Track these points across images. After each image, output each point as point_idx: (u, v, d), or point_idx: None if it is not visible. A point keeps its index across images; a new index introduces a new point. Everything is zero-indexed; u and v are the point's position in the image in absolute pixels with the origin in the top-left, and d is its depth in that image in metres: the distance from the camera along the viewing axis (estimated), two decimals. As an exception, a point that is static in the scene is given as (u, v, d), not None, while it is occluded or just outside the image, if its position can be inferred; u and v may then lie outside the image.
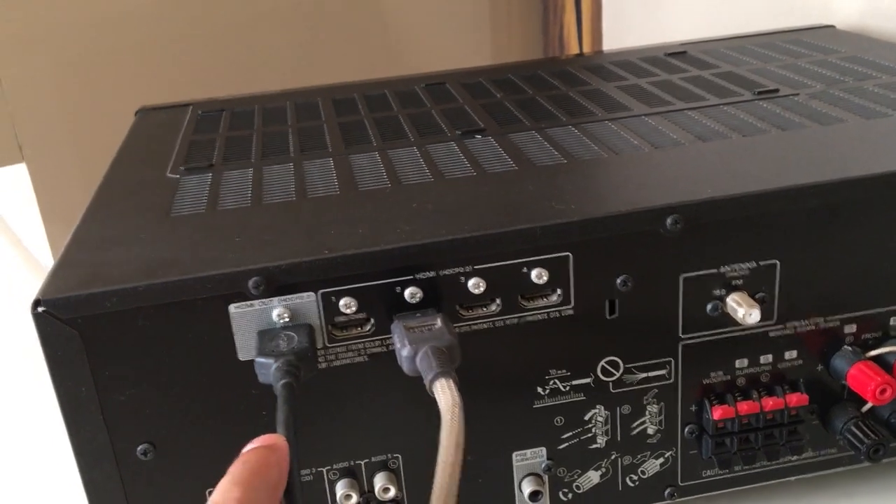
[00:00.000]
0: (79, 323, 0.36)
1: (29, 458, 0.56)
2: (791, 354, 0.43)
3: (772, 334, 0.42)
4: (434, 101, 0.61)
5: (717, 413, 0.42)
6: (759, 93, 0.55)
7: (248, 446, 0.30)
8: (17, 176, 0.77)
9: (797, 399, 0.43)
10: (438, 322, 0.37)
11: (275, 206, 0.44)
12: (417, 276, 0.38)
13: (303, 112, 0.61)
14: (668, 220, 0.39)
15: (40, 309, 0.35)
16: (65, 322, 0.36)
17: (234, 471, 0.29)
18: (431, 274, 0.38)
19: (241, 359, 0.38)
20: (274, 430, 0.38)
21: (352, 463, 0.41)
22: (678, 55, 0.67)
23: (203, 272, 0.36)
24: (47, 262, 0.80)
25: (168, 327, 0.37)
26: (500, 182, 0.44)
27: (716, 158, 0.44)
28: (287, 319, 0.37)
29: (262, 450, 0.30)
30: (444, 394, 0.32)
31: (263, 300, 0.37)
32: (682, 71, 0.62)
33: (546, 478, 0.43)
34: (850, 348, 0.43)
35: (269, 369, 0.35)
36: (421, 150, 0.50)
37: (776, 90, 0.55)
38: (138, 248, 0.40)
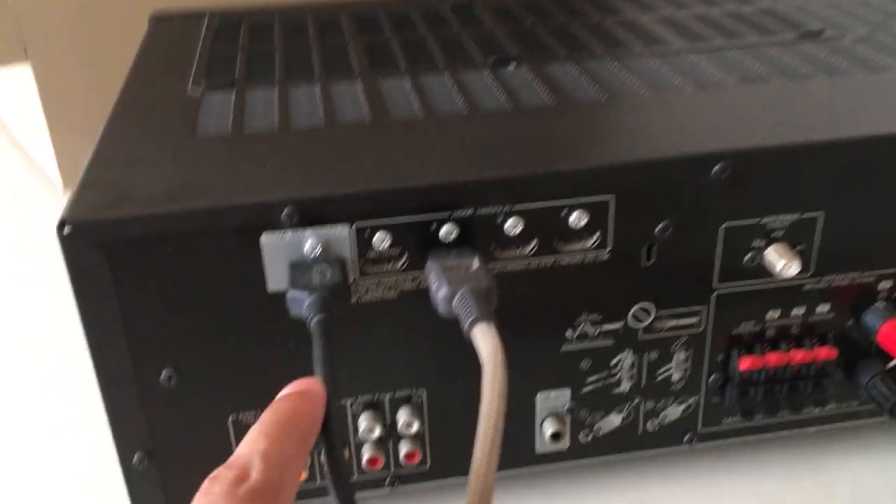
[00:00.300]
0: (106, 246, 0.35)
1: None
2: (823, 308, 0.42)
3: (806, 287, 0.42)
4: (462, 24, 0.58)
5: (745, 363, 0.42)
6: (803, 34, 0.53)
7: (283, 392, 0.30)
8: (21, 77, 0.74)
9: (826, 353, 0.43)
10: (476, 263, 0.36)
11: (304, 131, 0.42)
12: (454, 213, 0.37)
13: (326, 28, 0.59)
14: (716, 168, 0.38)
15: (66, 230, 0.34)
16: (92, 244, 0.35)
17: (264, 419, 0.28)
18: (469, 212, 0.37)
19: (270, 289, 0.37)
20: (300, 361, 0.37)
21: (376, 396, 0.41)
22: (715, -13, 0.64)
23: (235, 200, 0.35)
24: (51, 168, 0.78)
25: (196, 254, 0.36)
26: (538, 117, 0.43)
27: (762, 103, 0.43)
28: (319, 252, 0.36)
29: (295, 396, 0.29)
30: (486, 340, 0.31)
31: (295, 230, 0.36)
32: (720, 4, 0.60)
33: (568, 419, 0.43)
34: (882, 304, 0.43)
35: (302, 303, 0.34)
36: (453, 79, 0.48)
37: (820, 31, 0.53)
38: (165, 169, 0.38)
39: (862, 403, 0.45)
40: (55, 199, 0.78)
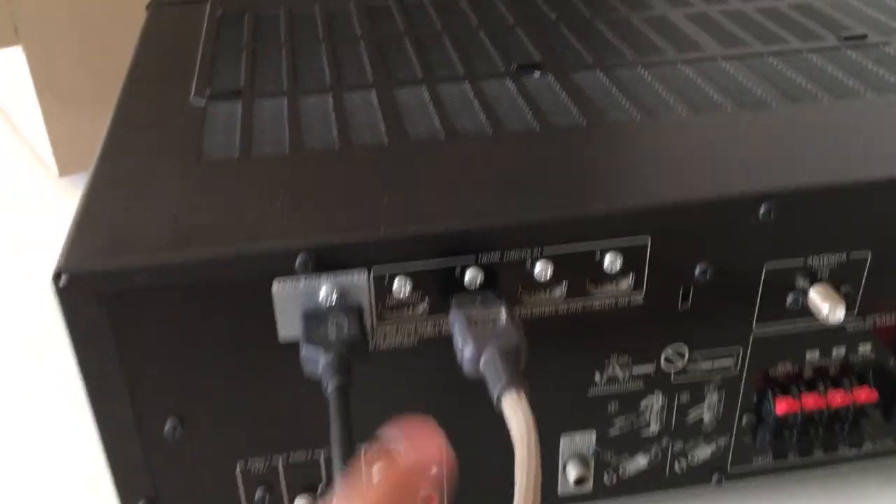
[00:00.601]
0: (104, 296, 0.32)
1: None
2: (865, 348, 0.40)
3: (849, 327, 0.39)
4: (480, 18, 0.55)
5: (782, 407, 0.40)
6: (846, 38, 0.49)
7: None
8: (13, 59, 0.71)
9: (866, 395, 0.40)
10: (503, 315, 0.33)
11: (317, 154, 0.39)
12: (480, 258, 0.34)
13: (334, 21, 0.55)
14: (762, 209, 0.35)
15: (63, 281, 0.31)
16: (90, 296, 0.32)
17: None
18: (495, 257, 0.34)
19: (282, 337, 0.34)
20: (312, 408, 0.35)
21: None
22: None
23: (245, 248, 0.32)
24: (45, 152, 0.75)
25: (203, 303, 0.33)
26: (568, 140, 0.40)
27: (808, 129, 0.40)
28: (335, 299, 0.34)
29: None
30: (516, 417, 0.29)
31: (309, 277, 0.33)
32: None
33: (592, 461, 0.41)
34: (927, 344, 0.40)
35: (317, 363, 0.32)
36: (474, 88, 0.45)
37: (864, 36, 0.49)
38: (168, 202, 0.35)
39: (898, 440, 0.43)
40: (51, 184, 0.75)
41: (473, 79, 0.46)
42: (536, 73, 0.46)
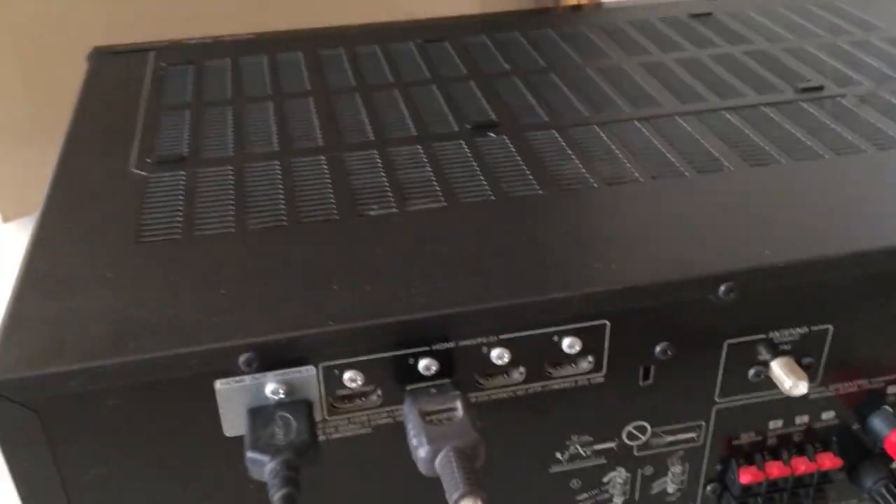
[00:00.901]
0: (37, 403, 0.30)
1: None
2: (829, 415, 0.40)
3: (812, 396, 0.39)
4: (434, 71, 0.53)
5: (746, 477, 0.39)
6: (802, 89, 0.49)
7: None
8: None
9: (830, 462, 0.40)
10: (459, 409, 0.32)
11: (264, 232, 0.38)
12: (434, 346, 0.33)
13: (283, 72, 0.54)
14: (722, 289, 0.34)
15: (-10, 390, 0.30)
16: (20, 403, 0.30)
17: None
18: (450, 345, 0.33)
19: (227, 435, 0.33)
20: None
21: (347, 531, 0.37)
22: (703, 17, 0.60)
23: (184, 347, 0.31)
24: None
25: (142, 404, 0.31)
26: (524, 213, 0.38)
27: (767, 198, 0.39)
28: (283, 395, 0.32)
29: None
30: (475, 527, 0.28)
31: (255, 375, 0.32)
32: (711, 44, 0.56)
33: (557, 537, 0.40)
34: (890, 409, 0.40)
35: (263, 468, 0.30)
36: (427, 152, 0.44)
37: (820, 87, 0.49)
38: (103, 294, 0.34)
39: (862, 502, 0.43)
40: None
41: (427, 140, 0.45)
42: (492, 134, 0.45)
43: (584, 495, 0.39)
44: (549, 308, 0.33)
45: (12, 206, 0.73)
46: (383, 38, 0.58)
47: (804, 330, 0.36)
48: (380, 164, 0.43)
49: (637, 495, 0.40)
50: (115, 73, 0.54)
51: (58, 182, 0.42)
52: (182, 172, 0.42)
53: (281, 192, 0.40)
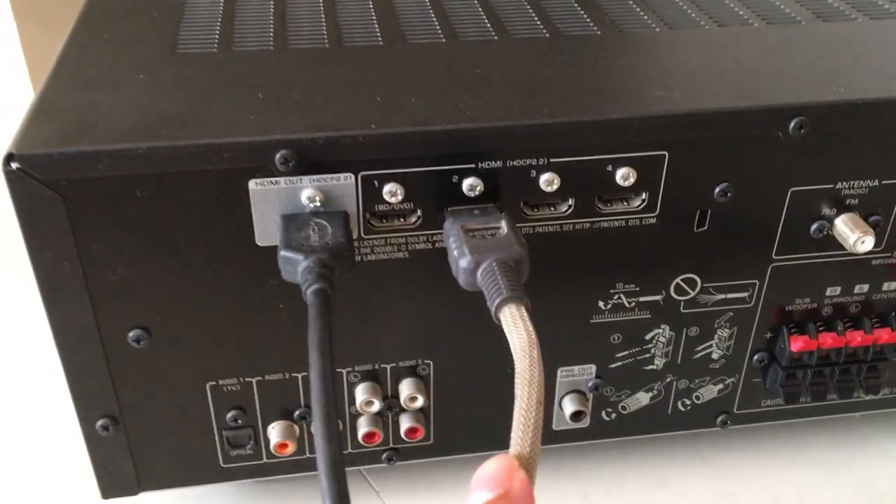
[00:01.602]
0: (62, 185, 0.29)
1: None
2: (890, 285, 0.37)
3: (875, 262, 0.36)
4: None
5: (797, 345, 0.37)
6: (880, -38, 0.46)
7: (477, 489, 0.23)
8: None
9: (888, 336, 0.38)
10: (504, 226, 0.30)
11: (304, 52, 0.36)
12: (480, 165, 0.31)
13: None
14: (792, 124, 0.32)
15: (14, 165, 0.28)
16: (45, 183, 0.29)
17: None
18: (497, 164, 0.31)
19: (259, 244, 0.31)
20: (291, 324, 0.32)
21: (376, 366, 0.35)
22: None
23: (219, 138, 0.29)
24: (20, 69, 0.71)
25: (172, 199, 0.30)
26: (580, 50, 0.36)
27: (842, 47, 0.37)
28: (318, 204, 0.30)
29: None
30: (518, 329, 0.26)
31: (291, 178, 0.30)
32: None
33: (591, 396, 0.38)
34: (956, 285, 0.38)
35: (296, 267, 0.29)
36: (478, -6, 0.41)
37: (900, -40, 0.46)
38: (137, 92, 0.32)
39: (916, 390, 0.41)
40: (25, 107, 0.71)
41: (478, -15, 0.43)
42: (547, -18, 0.43)
43: (625, 352, 0.37)
44: (605, 130, 0.31)
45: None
46: None
47: (874, 183, 0.34)
48: (428, 3, 0.40)
49: (679, 358, 0.38)
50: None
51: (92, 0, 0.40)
52: (222, -3, 0.40)
53: (321, 18, 0.39)
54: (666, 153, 0.32)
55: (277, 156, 0.29)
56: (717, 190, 0.33)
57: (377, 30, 0.38)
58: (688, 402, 0.39)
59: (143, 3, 0.40)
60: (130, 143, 0.29)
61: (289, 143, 0.29)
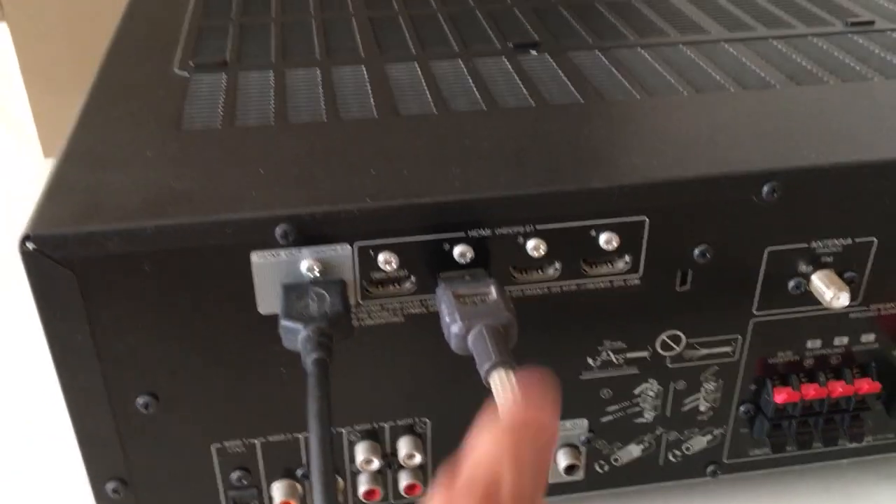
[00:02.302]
0: (75, 263, 0.31)
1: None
2: (868, 337, 0.39)
3: (852, 315, 0.38)
4: (477, -3, 0.53)
5: (781, 396, 0.38)
6: (852, 24, 0.48)
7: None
8: (-2, 36, 0.69)
9: (868, 386, 0.39)
10: (493, 292, 0.32)
11: (303, 126, 0.38)
12: (469, 233, 0.33)
13: (327, -3, 0.54)
14: (766, 188, 0.33)
15: (30, 245, 0.30)
16: (58, 262, 0.30)
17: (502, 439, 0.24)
18: (486, 232, 0.33)
19: (261, 312, 0.33)
20: (292, 387, 0.34)
21: (375, 425, 0.37)
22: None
23: (223, 214, 0.31)
24: (30, 133, 0.73)
25: (178, 272, 0.31)
26: (565, 118, 0.38)
27: (814, 109, 0.38)
28: (317, 273, 0.32)
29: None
30: (506, 392, 0.27)
31: (291, 249, 0.32)
32: (758, -17, 0.55)
33: (584, 450, 0.39)
34: (933, 335, 0.39)
35: (296, 335, 0.30)
36: (468, 66, 0.43)
37: (871, 22, 0.48)
38: (144, 170, 0.34)
39: (900, 437, 0.42)
40: (36, 165, 0.74)
41: (468, 56, 0.45)
42: (533, 52, 0.45)
43: (615, 406, 0.38)
44: (587, 198, 0.33)
45: (54, 141, 0.74)
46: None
47: (847, 241, 0.36)
48: (420, 75, 0.42)
49: (668, 411, 0.39)
50: (160, -6, 0.55)
51: (102, 77, 0.42)
52: (224, 73, 0.42)
53: (321, 94, 0.41)
54: (646, 218, 0.34)
55: (278, 230, 0.31)
56: (696, 251, 0.35)
57: (372, 102, 0.40)
58: (678, 452, 0.40)
59: (150, 79, 0.42)
60: (138, 222, 0.30)
61: (288, 217, 0.31)
